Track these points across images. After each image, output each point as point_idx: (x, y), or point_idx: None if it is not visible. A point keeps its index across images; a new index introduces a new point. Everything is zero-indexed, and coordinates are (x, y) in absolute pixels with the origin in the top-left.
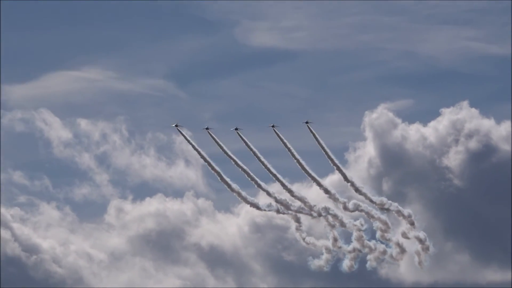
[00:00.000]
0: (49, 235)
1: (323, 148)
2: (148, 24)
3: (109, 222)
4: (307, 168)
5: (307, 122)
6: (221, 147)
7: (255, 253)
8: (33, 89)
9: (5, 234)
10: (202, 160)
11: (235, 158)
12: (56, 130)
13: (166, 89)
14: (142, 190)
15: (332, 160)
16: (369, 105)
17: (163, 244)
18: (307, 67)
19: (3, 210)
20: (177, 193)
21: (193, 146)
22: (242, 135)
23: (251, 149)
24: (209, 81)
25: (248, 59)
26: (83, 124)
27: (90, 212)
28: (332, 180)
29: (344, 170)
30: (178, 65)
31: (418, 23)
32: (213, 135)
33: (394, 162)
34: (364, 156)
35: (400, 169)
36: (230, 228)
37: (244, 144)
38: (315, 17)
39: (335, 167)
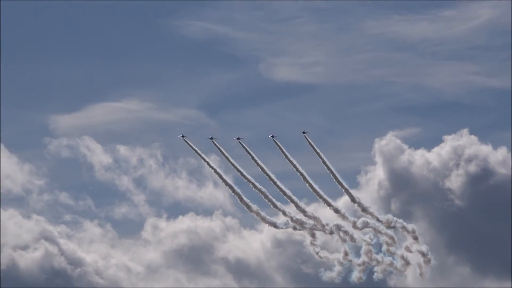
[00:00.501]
0: (92, 249)
1: (331, 171)
2: (181, 60)
3: (145, 238)
4: (318, 190)
5: (304, 133)
6: (241, 172)
7: (277, 266)
8: (78, 119)
9: (53, 249)
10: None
11: (253, 181)
12: (98, 156)
13: (198, 118)
14: (175, 209)
15: (340, 183)
16: (379, 133)
17: (194, 258)
18: (324, 99)
19: (50, 227)
20: (206, 212)
21: (215, 170)
22: (243, 144)
23: (266, 174)
24: (237, 111)
25: (271, 92)
26: (122, 150)
27: (128, 229)
28: (345, 201)
29: (351, 192)
30: (209, 97)
31: (424, 59)
32: (232, 161)
33: (402, 184)
34: (375, 179)
35: (407, 191)
36: (254, 243)
37: (246, 152)
38: (332, 54)
39: (343, 190)
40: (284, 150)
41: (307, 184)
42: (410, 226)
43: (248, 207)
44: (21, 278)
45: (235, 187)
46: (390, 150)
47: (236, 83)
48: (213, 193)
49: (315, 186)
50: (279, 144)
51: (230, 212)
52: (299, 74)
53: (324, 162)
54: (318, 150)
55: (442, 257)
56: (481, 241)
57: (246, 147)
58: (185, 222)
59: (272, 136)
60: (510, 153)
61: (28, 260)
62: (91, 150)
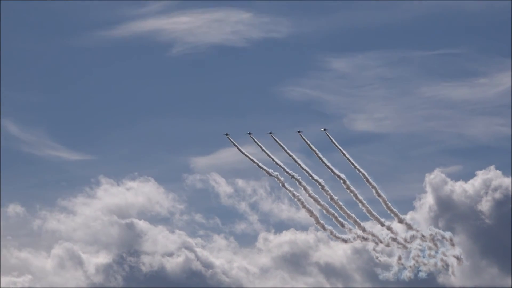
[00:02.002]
0: (220, 256)
1: (382, 199)
2: (286, 116)
3: (259, 247)
4: (374, 213)
5: (324, 130)
6: (318, 201)
7: (355, 267)
8: (209, 160)
9: (191, 255)
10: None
11: (327, 206)
12: (223, 187)
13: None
14: (280, 226)
15: (389, 208)
16: (429, 169)
17: (295, 262)
18: (391, 144)
19: (189, 239)
20: (303, 228)
21: (297, 198)
22: (320, 181)
23: (334, 201)
24: (327, 154)
25: (352, 139)
26: (240, 182)
27: (246, 241)
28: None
29: (401, 216)
30: (306, 143)
31: (465, 114)
32: (310, 192)
33: (446, 207)
34: (426, 204)
35: (450, 212)
36: (339, 251)
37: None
38: (397, 111)
39: (392, 214)
40: (348, 182)
41: (364, 209)
42: (447, 234)
43: (323, 226)
44: (168, 277)
45: (313, 211)
46: (437, 182)
47: (325, 134)
48: (308, 214)
49: (374, 212)
50: (346, 179)
51: (326, 227)
52: (372, 126)
53: (377, 192)
54: (374, 183)
55: (476, 260)
56: (505, 249)
57: (320, 181)
58: (287, 236)
59: (299, 132)
60: None
61: (173, 264)
62: (217, 183)
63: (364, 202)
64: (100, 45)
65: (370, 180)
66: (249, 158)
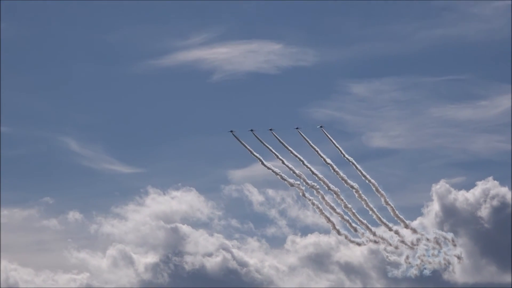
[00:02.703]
0: (253, 256)
1: (390, 207)
2: (310, 134)
3: (287, 249)
4: (383, 219)
5: (321, 127)
6: (335, 210)
7: (372, 266)
8: (244, 172)
9: (228, 255)
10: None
11: (342, 213)
12: (255, 196)
13: (322, 172)
14: (306, 230)
15: (397, 215)
16: (436, 180)
17: (319, 261)
18: (404, 159)
19: (226, 241)
20: (326, 231)
21: (316, 206)
22: (336, 190)
23: (348, 208)
24: (346, 168)
25: (370, 155)
26: (270, 192)
27: (276, 243)
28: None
29: (405, 221)
30: (332, 159)
31: (468, 132)
32: (328, 200)
33: (450, 213)
34: (433, 210)
35: (453, 218)
36: (357, 252)
37: (335, 195)
38: (409, 129)
39: (398, 220)
40: (360, 192)
41: (374, 216)
42: (449, 235)
43: (338, 232)
44: (207, 275)
45: (330, 217)
46: (442, 191)
47: (346, 149)
48: (325, 220)
49: (383, 218)
50: (359, 189)
51: (341, 232)
52: (387, 142)
53: (385, 201)
54: (383, 192)
55: (477, 260)
56: (502, 249)
57: (336, 190)
58: (312, 238)
59: (297, 128)
60: None
61: (212, 263)
62: (251, 192)
63: (374, 209)
64: (150, 73)
65: (380, 189)
66: (272, 171)
